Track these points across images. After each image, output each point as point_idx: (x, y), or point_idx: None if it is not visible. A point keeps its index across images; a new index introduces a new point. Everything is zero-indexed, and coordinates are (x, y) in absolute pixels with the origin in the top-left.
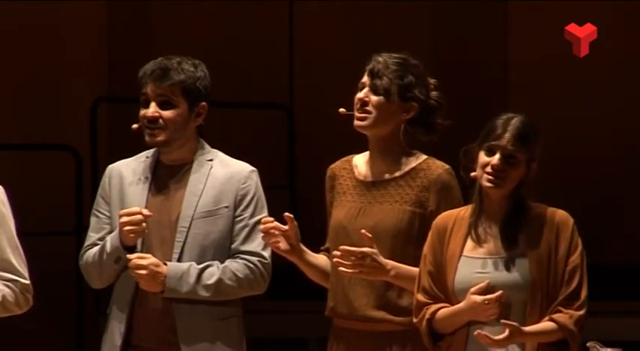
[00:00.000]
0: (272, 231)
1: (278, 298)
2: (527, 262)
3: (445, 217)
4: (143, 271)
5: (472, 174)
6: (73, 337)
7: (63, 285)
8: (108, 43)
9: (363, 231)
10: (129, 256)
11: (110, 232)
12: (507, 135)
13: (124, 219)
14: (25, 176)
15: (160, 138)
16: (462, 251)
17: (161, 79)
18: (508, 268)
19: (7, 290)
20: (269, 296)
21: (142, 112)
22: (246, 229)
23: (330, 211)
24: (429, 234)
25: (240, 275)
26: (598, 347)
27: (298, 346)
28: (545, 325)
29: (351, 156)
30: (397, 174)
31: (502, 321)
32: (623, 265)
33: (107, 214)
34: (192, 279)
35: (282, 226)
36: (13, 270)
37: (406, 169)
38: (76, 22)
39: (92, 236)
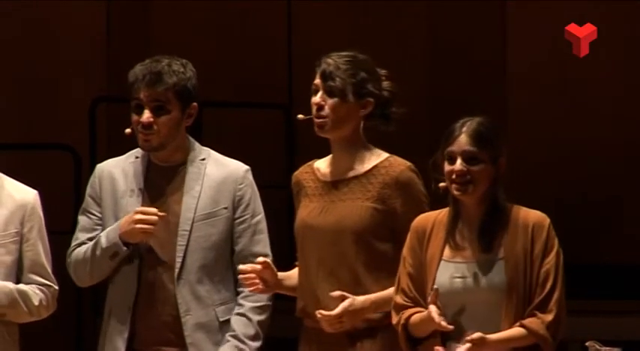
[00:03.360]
0: (253, 280)
1: (277, 298)
2: (503, 265)
3: (423, 219)
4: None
5: (440, 185)
6: (72, 336)
7: (61, 284)
8: (107, 43)
9: (331, 293)
10: None
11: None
12: (463, 137)
13: (139, 216)
14: (24, 176)
15: (155, 143)
16: (441, 255)
17: (155, 84)
18: (485, 272)
19: (42, 295)
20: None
21: (135, 118)
22: (250, 230)
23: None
24: (408, 236)
25: (263, 301)
26: (597, 346)
27: (296, 346)
28: (514, 331)
29: (312, 161)
30: (359, 172)
31: (470, 337)
32: (623, 265)
33: (99, 214)
34: (251, 343)
35: (257, 267)
36: (47, 275)
37: (368, 166)
38: (75, 22)
39: (81, 235)
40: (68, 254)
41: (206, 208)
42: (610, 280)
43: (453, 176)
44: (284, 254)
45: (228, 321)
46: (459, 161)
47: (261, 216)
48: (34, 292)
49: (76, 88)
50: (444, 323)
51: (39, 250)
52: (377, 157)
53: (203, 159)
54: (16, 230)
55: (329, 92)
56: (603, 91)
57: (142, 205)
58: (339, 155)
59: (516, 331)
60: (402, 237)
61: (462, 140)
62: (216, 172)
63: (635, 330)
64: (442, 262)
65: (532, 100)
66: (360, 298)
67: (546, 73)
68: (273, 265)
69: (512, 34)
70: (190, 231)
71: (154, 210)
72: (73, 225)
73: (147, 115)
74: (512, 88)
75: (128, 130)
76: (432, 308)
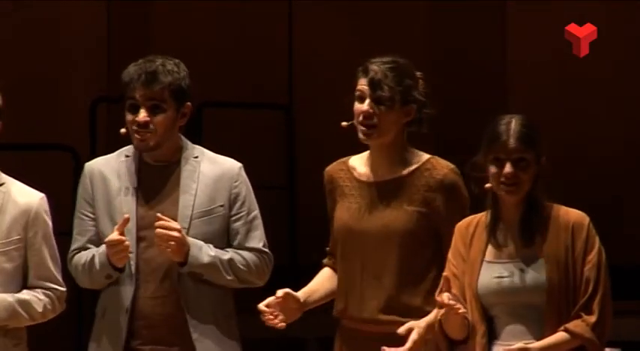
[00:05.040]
0: (272, 320)
1: None
2: (544, 264)
3: (467, 221)
4: (176, 233)
5: (486, 186)
6: (72, 336)
7: None
8: (107, 43)
9: (398, 331)
10: (156, 224)
11: (96, 234)
12: (512, 141)
13: (108, 250)
14: (24, 176)
15: (151, 143)
16: (483, 256)
17: (150, 83)
18: (526, 271)
19: (47, 300)
20: (269, 296)
21: (131, 117)
22: (246, 227)
23: (331, 214)
24: (453, 238)
25: (249, 261)
26: None
27: (297, 346)
28: (558, 336)
29: (345, 158)
30: (401, 174)
31: (505, 348)
32: (623, 265)
33: (91, 215)
34: (211, 252)
35: (277, 297)
36: (54, 279)
37: (411, 168)
38: (76, 22)
39: (79, 239)
40: (68, 260)
41: (203, 205)
42: (610, 280)
43: (502, 179)
44: (284, 254)
45: (227, 316)
46: (508, 165)
47: (256, 212)
48: (37, 298)
49: (76, 88)
50: (451, 302)
51: (44, 254)
52: (418, 158)
53: (196, 157)
54: (19, 236)
55: (377, 101)
56: (603, 91)
57: (137, 205)
58: (378, 157)
59: (560, 336)
60: (446, 240)
61: (511, 144)
62: (211, 170)
63: (635, 330)
64: (484, 263)
65: (532, 100)
66: (422, 324)
67: (546, 73)
68: (293, 293)
69: (512, 34)
70: (188, 229)
71: (115, 238)
72: (72, 225)
73: (143, 114)
74: (512, 88)
75: (123, 130)
76: (444, 295)
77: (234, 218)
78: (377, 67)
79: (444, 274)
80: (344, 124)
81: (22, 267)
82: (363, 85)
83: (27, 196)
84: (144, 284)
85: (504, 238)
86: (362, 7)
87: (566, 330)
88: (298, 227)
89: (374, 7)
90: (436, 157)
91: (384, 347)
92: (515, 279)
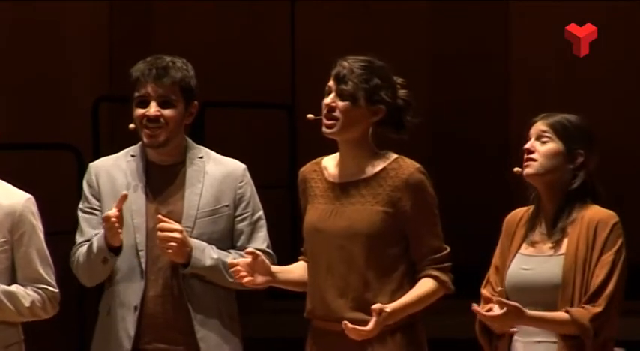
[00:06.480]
0: (242, 273)
1: (278, 297)
2: (562, 260)
3: (514, 214)
4: (177, 235)
5: (515, 169)
6: (75, 336)
7: (64, 284)
8: (109, 43)
9: (372, 307)
10: (157, 226)
11: None
12: (540, 122)
13: (104, 224)
14: (27, 176)
15: (162, 138)
16: (518, 248)
17: (162, 78)
18: (547, 266)
19: (36, 296)
20: (269, 296)
21: (140, 111)
22: (250, 228)
23: (302, 215)
24: (502, 230)
25: None
26: None
27: (297, 346)
28: (556, 314)
29: (320, 158)
30: (368, 174)
31: (498, 299)
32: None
33: (100, 210)
34: (214, 254)
35: (246, 259)
36: (43, 280)
37: (377, 169)
38: (77, 22)
39: (88, 232)
40: (72, 254)
41: (209, 205)
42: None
43: (524, 156)
44: (285, 254)
45: (231, 317)
46: (531, 140)
47: (260, 213)
48: (25, 293)
49: (78, 87)
50: (485, 312)
51: (32, 256)
52: (385, 159)
53: (201, 157)
54: (4, 239)
55: (341, 95)
56: (603, 91)
57: (147, 203)
58: (346, 157)
59: (559, 314)
60: (412, 239)
61: (539, 123)
62: (216, 171)
63: (636, 330)
64: (518, 254)
65: (533, 99)
66: (388, 308)
67: (547, 72)
68: (264, 257)
69: (513, 35)
70: (193, 228)
71: (109, 214)
72: (75, 225)
73: (154, 108)
74: (513, 87)
75: (132, 126)
76: (477, 308)
77: (238, 219)
78: (347, 63)
79: (484, 293)
80: (309, 116)
81: (10, 269)
82: (331, 79)
83: (11, 198)
84: (151, 282)
85: (540, 232)
86: (362, 7)
87: (567, 311)
88: (300, 227)
89: (376, 7)
90: (403, 157)
91: (346, 321)
92: (536, 272)
